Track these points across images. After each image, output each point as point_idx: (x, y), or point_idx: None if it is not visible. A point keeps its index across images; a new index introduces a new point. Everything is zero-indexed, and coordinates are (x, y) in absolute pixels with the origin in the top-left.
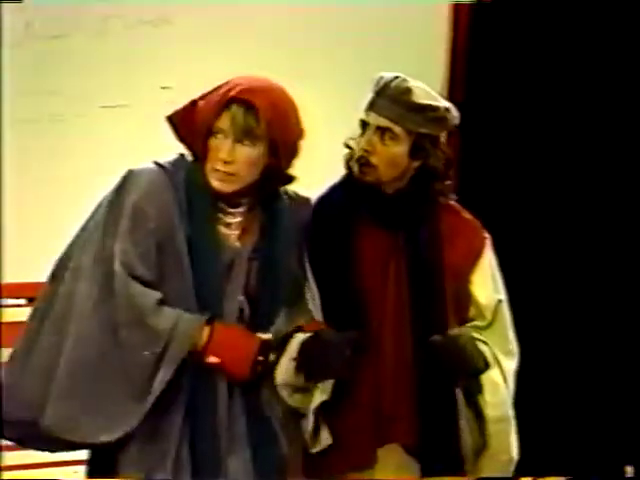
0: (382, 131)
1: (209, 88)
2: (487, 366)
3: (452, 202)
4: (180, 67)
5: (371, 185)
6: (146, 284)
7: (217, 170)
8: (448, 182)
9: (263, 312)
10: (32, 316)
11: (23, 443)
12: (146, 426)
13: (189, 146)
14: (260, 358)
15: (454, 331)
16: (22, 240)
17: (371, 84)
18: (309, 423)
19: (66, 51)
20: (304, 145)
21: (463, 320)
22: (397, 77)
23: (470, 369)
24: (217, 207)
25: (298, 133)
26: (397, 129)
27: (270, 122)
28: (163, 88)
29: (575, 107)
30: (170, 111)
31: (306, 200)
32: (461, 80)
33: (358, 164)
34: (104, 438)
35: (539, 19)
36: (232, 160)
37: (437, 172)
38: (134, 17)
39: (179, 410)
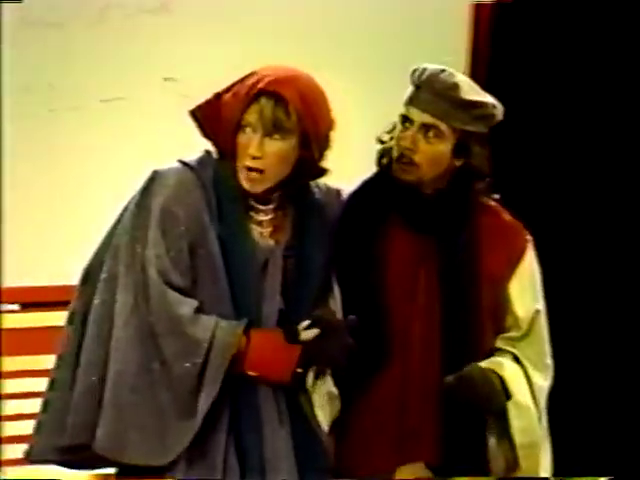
0: (426, 128)
1: (213, 80)
2: (509, 397)
3: (492, 203)
4: (183, 58)
5: (409, 184)
6: (180, 291)
7: (247, 168)
8: (488, 181)
9: (299, 313)
10: (71, 325)
11: (71, 466)
12: (193, 441)
13: (215, 142)
14: (299, 370)
15: (467, 370)
16: (16, 241)
17: (412, 76)
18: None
19: (62, 41)
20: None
21: (499, 330)
22: (443, 70)
23: (488, 408)
24: (248, 205)
25: (329, 123)
26: (443, 126)
27: (301, 114)
28: (166, 80)
29: (600, 106)
30: (174, 104)
31: (337, 192)
32: (482, 80)
33: (399, 162)
34: (155, 462)
35: (562, 18)
36: (261, 155)
37: (480, 171)
38: (134, 5)
39: (223, 421)
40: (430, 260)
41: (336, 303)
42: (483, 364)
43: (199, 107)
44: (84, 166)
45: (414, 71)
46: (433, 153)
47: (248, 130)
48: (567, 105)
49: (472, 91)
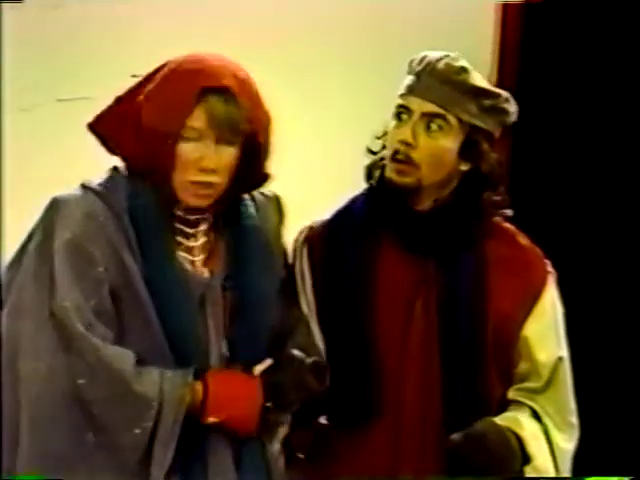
0: (429, 119)
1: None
2: (527, 461)
3: (505, 224)
4: (154, 52)
5: (405, 189)
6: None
7: (195, 182)
8: (500, 193)
9: (246, 356)
10: None
11: None
12: None
13: (130, 158)
14: (268, 404)
15: (478, 426)
16: None
17: (410, 66)
18: None
19: (12, 28)
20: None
21: (509, 377)
22: (447, 55)
23: (502, 473)
24: (174, 230)
25: (270, 119)
26: (450, 116)
27: (250, 111)
28: (134, 77)
29: (638, 115)
30: None
31: (276, 199)
32: (511, 86)
33: (394, 161)
34: None
35: (596, 19)
36: (217, 167)
37: (489, 180)
38: None
39: None
40: (428, 288)
41: (309, 339)
42: (497, 420)
43: (100, 118)
44: (32, 176)
45: (412, 60)
46: (436, 150)
47: (192, 137)
48: (602, 113)
49: (482, 80)
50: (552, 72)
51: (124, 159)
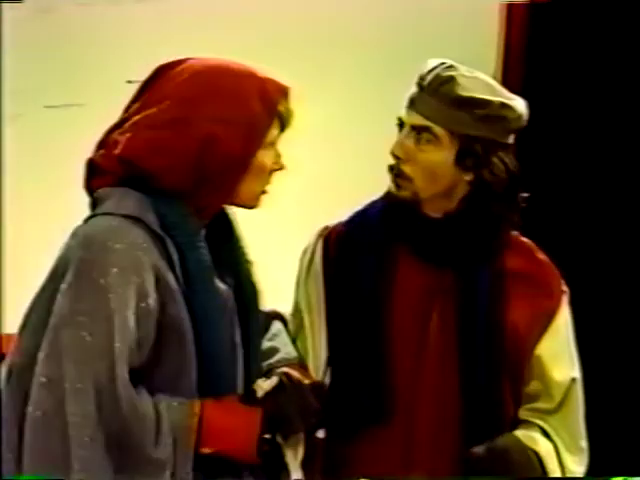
0: (417, 132)
1: None
2: None
3: (523, 238)
4: (150, 55)
5: (411, 204)
6: (137, 372)
7: (264, 191)
8: (514, 204)
9: (257, 366)
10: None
11: None
12: None
13: (174, 181)
14: (267, 436)
15: (501, 440)
16: None
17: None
18: None
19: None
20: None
21: (518, 396)
22: (442, 64)
23: None
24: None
25: None
26: (437, 129)
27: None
28: (129, 82)
29: None
30: None
31: None
32: (516, 87)
33: (391, 174)
34: None
35: (605, 19)
36: None
37: (494, 189)
38: None
39: None
40: (445, 298)
41: (318, 356)
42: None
43: (138, 145)
44: (28, 183)
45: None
46: (426, 163)
47: (267, 146)
48: (609, 114)
49: (474, 87)
50: (558, 72)
51: (173, 184)
